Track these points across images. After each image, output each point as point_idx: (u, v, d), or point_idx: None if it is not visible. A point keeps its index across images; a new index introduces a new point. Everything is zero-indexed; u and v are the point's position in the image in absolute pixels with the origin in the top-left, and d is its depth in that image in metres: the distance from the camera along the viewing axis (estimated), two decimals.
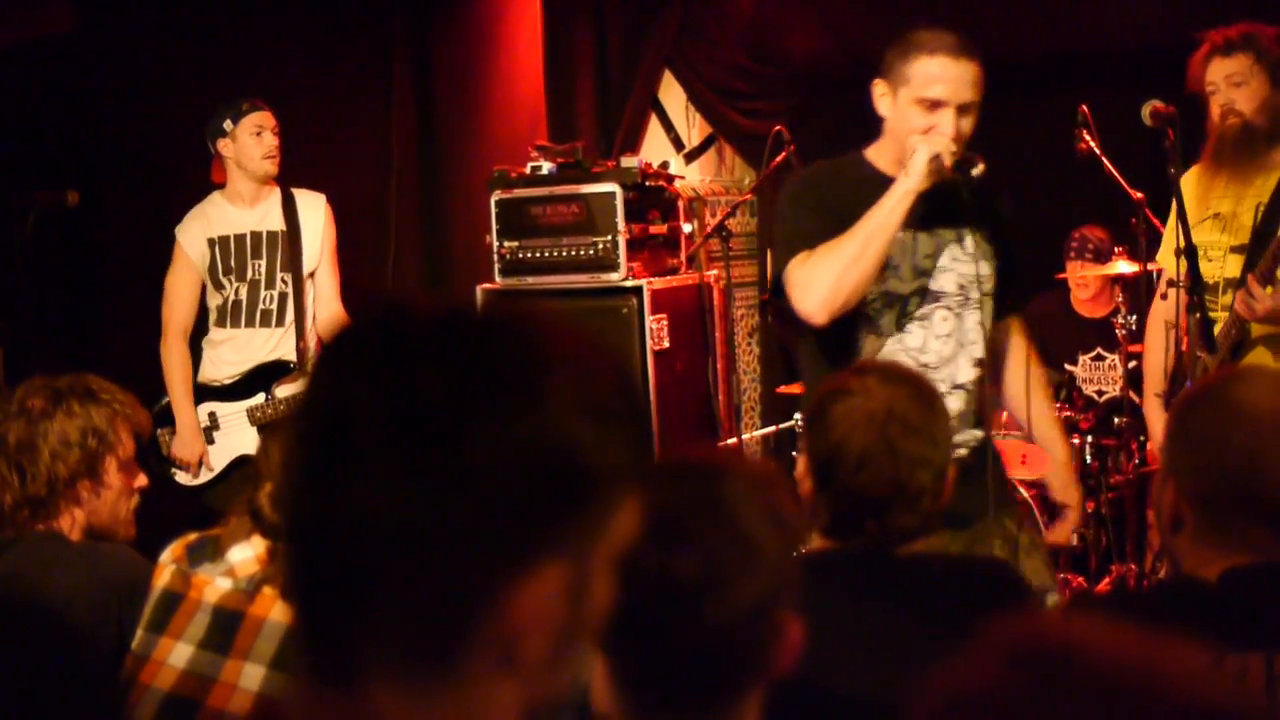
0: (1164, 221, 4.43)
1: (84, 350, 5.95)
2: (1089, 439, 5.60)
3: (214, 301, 5.18)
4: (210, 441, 5.18)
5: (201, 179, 5.27)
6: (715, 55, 6.59)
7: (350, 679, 1.08)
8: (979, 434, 3.48)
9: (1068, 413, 5.55)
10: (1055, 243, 6.07)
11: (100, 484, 3.06)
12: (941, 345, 3.44)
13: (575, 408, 1.08)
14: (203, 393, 5.20)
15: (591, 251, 5.58)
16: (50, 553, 2.95)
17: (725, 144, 6.94)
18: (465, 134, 6.64)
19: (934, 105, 3.32)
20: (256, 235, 5.16)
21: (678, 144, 6.84)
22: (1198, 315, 3.96)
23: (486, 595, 1.05)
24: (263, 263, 5.15)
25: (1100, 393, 5.95)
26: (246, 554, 2.69)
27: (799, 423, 5.70)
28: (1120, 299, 5.53)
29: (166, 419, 5.20)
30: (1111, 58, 5.82)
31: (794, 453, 5.65)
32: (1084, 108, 4.69)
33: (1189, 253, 3.92)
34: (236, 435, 5.13)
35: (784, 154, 5.59)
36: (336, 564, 1.07)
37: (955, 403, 3.40)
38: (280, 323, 5.16)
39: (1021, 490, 5.06)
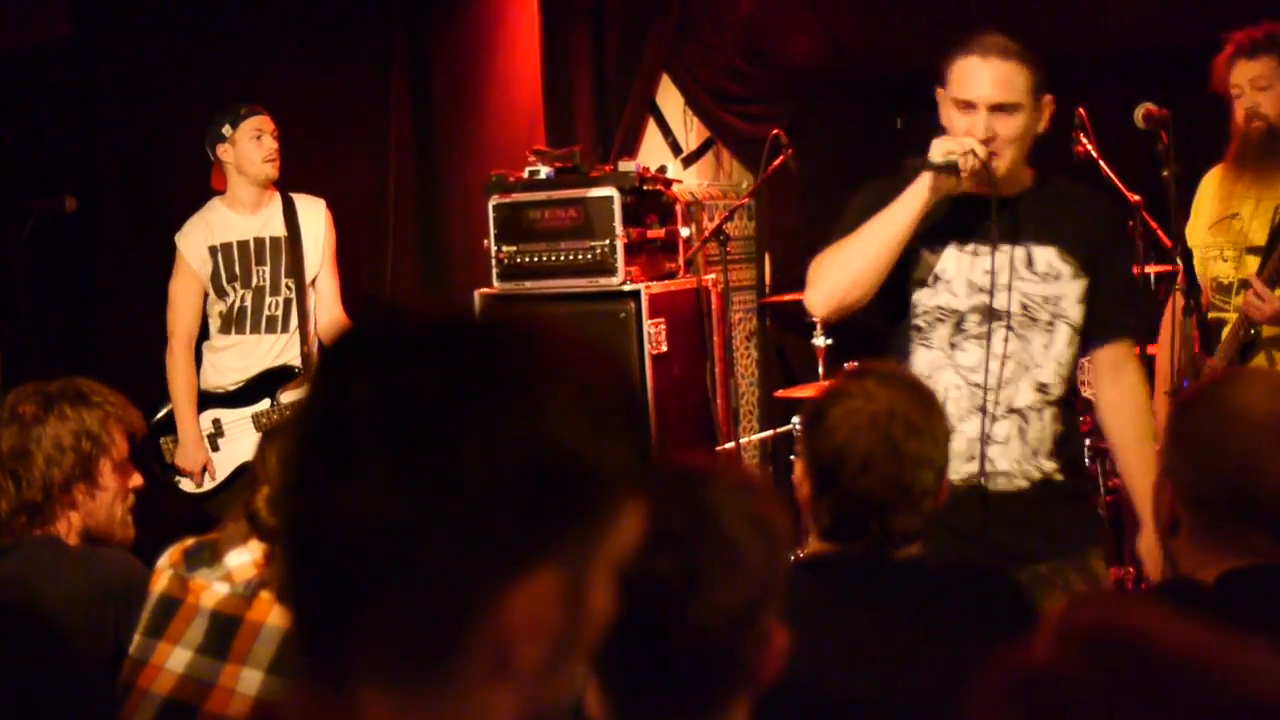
0: (1164, 224, 4.43)
1: (82, 356, 5.95)
2: (1086, 441, 5.59)
3: (216, 308, 5.16)
4: (214, 448, 5.17)
5: (200, 185, 5.27)
6: (712, 59, 6.60)
7: (343, 681, 1.08)
8: (1050, 465, 3.30)
9: None
10: None
11: (96, 487, 3.06)
12: (1000, 366, 3.30)
13: (573, 412, 1.07)
14: (206, 399, 5.18)
15: (589, 256, 5.58)
16: (47, 558, 2.94)
17: (723, 148, 6.94)
18: (463, 138, 6.64)
19: (966, 106, 3.26)
20: (260, 241, 5.15)
21: (675, 148, 6.84)
22: (1194, 318, 3.96)
23: (480, 599, 1.05)
24: (266, 269, 5.14)
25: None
26: (244, 559, 2.69)
27: (797, 427, 5.70)
28: None
29: (169, 427, 5.19)
30: (1107, 60, 5.82)
31: (792, 456, 5.64)
32: (1081, 110, 4.69)
33: (1185, 255, 3.92)
34: (241, 442, 5.12)
35: (782, 158, 5.60)
36: (330, 565, 1.07)
37: (1006, 427, 3.29)
38: (285, 328, 5.15)
39: None
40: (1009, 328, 3.29)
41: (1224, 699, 0.95)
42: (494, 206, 5.73)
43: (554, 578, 1.07)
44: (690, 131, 6.87)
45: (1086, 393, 5.34)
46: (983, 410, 3.29)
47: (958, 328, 3.32)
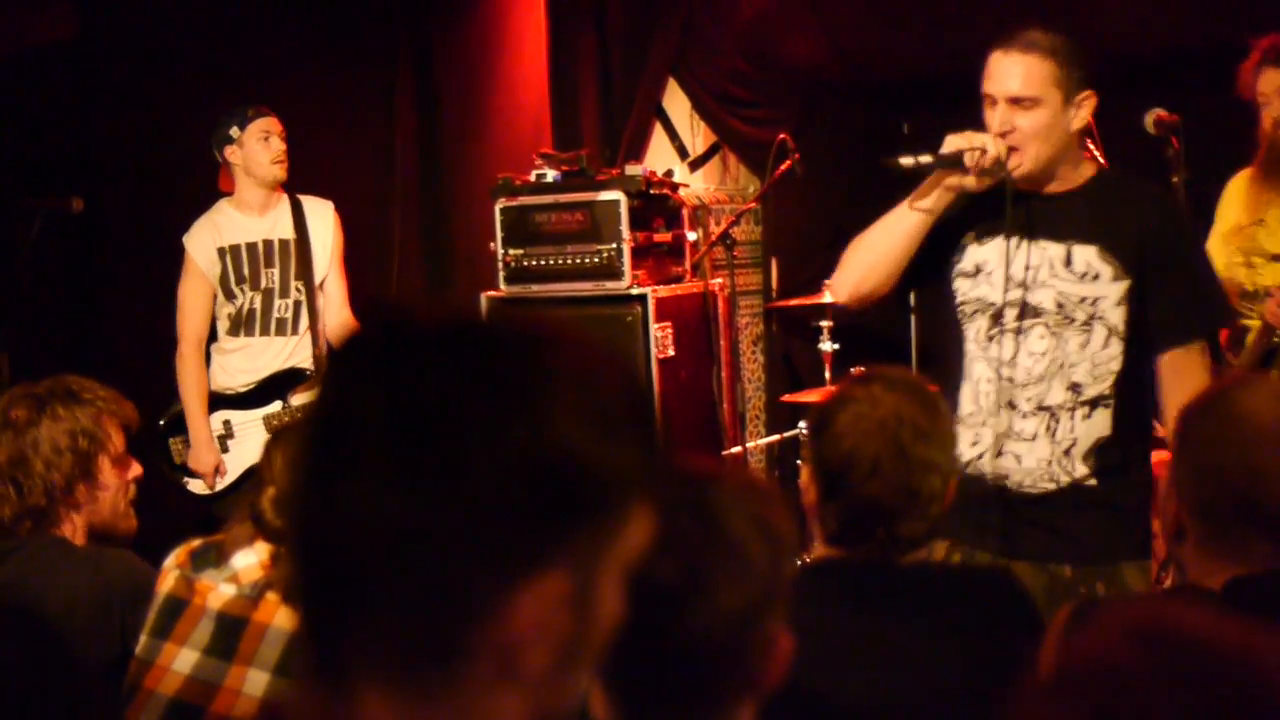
0: None
1: (88, 357, 5.94)
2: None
3: (225, 310, 5.15)
4: (224, 450, 5.16)
5: (206, 185, 5.27)
6: (719, 63, 6.59)
7: (348, 682, 1.08)
8: (1082, 470, 3.24)
9: None
10: None
11: (96, 485, 3.05)
12: (1034, 363, 3.25)
13: (580, 415, 1.07)
14: (217, 400, 5.17)
15: (596, 259, 5.58)
16: (54, 559, 2.94)
17: (729, 152, 6.94)
18: (469, 142, 6.63)
19: (990, 101, 3.24)
20: (269, 244, 5.15)
21: (682, 152, 6.83)
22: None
23: (487, 602, 1.05)
24: (275, 271, 5.14)
25: None
26: (250, 560, 2.70)
27: (803, 431, 5.70)
28: None
29: (178, 428, 5.19)
30: (1115, 64, 5.82)
31: (798, 461, 5.64)
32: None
33: None
34: (251, 443, 5.10)
35: (788, 162, 5.59)
36: (337, 566, 1.07)
37: (1035, 425, 3.26)
38: (295, 331, 5.15)
39: None
40: (1045, 325, 3.25)
41: (1263, 690, 0.98)
42: (500, 210, 5.73)
43: (561, 581, 1.07)
44: (697, 135, 6.86)
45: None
46: (1012, 405, 3.28)
47: (995, 320, 3.29)
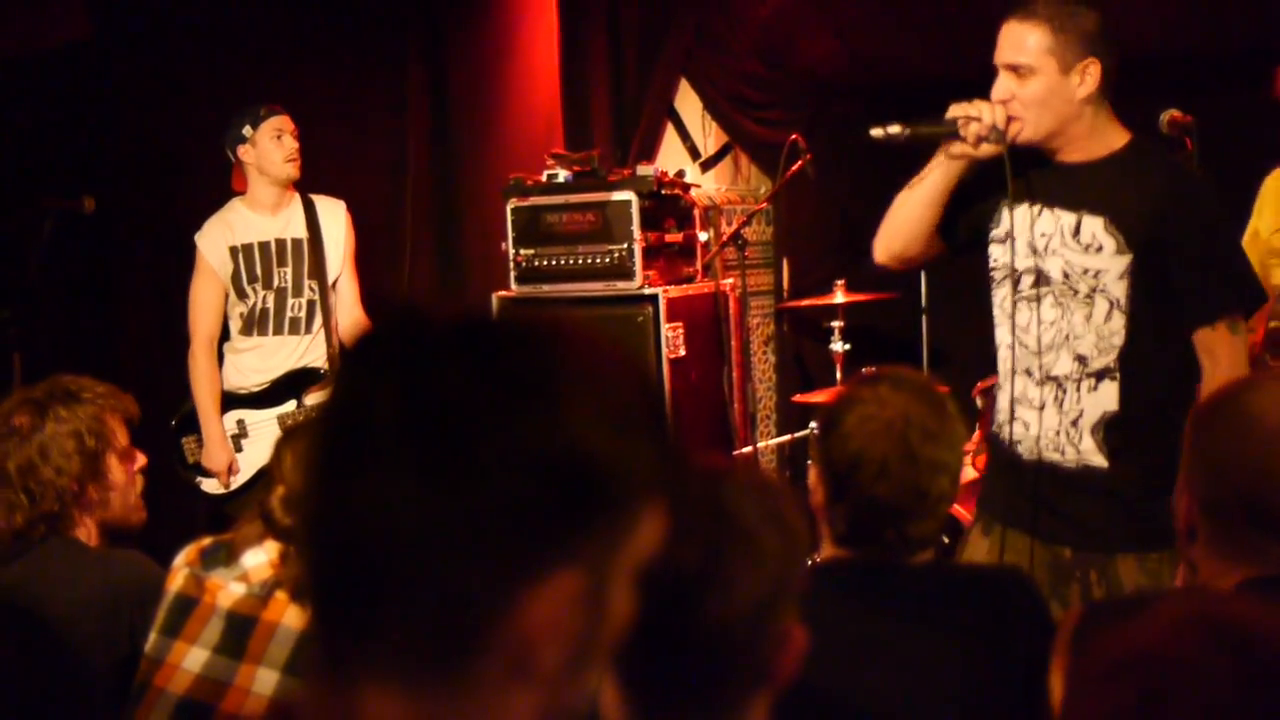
0: None
1: (101, 357, 5.96)
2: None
3: (237, 310, 5.15)
4: (238, 449, 5.16)
5: (218, 185, 5.28)
6: (730, 64, 6.59)
7: (358, 680, 1.07)
8: (1089, 444, 3.24)
9: None
10: None
11: (106, 483, 3.05)
12: (1044, 332, 3.26)
13: (592, 415, 1.07)
14: (230, 400, 5.17)
15: (607, 259, 5.58)
16: (63, 561, 2.94)
17: (741, 152, 6.93)
18: (481, 142, 6.64)
19: (996, 69, 3.30)
20: (281, 243, 5.15)
21: (694, 152, 6.83)
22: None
23: (497, 601, 1.05)
24: (289, 270, 5.14)
25: None
26: (260, 559, 2.70)
27: (814, 431, 5.69)
28: None
29: (191, 426, 5.19)
30: (1129, 64, 5.80)
31: (809, 461, 5.64)
32: None
33: None
34: (265, 443, 5.08)
35: (800, 163, 5.59)
36: (349, 564, 1.07)
37: (1044, 394, 3.27)
38: (309, 330, 5.15)
39: None
40: (1054, 294, 3.26)
41: None
42: (512, 210, 5.74)
43: (574, 580, 1.07)
44: (708, 136, 6.86)
45: None
46: (1028, 373, 3.31)
47: (1015, 287, 3.32)
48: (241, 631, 2.66)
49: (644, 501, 1.11)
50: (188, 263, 5.19)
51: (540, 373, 1.07)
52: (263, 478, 4.96)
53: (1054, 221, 3.26)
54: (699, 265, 5.92)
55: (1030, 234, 3.28)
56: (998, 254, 3.36)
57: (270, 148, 5.10)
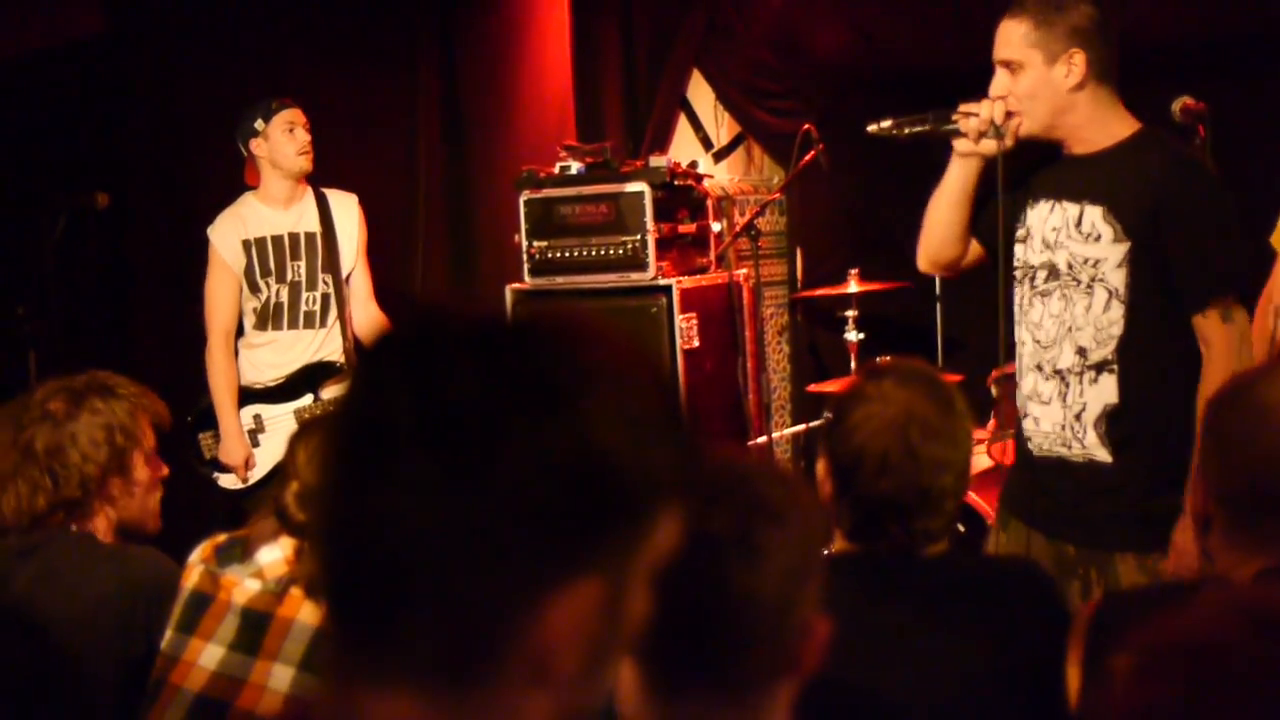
0: None
1: (115, 352, 5.97)
2: None
3: (250, 304, 5.15)
4: (254, 444, 5.15)
5: (231, 180, 5.28)
6: (743, 54, 6.57)
7: (375, 683, 1.07)
8: (1092, 437, 3.24)
9: None
10: None
11: (130, 479, 3.06)
12: (1051, 325, 3.29)
13: (613, 419, 1.06)
14: (246, 396, 5.16)
15: (620, 251, 5.58)
16: (79, 556, 2.95)
17: (754, 143, 6.92)
18: (493, 134, 6.64)
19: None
20: (294, 236, 5.15)
21: (706, 143, 6.82)
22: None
23: (518, 610, 1.04)
24: (302, 264, 5.13)
25: None
26: (275, 555, 2.70)
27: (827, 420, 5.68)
28: None
29: (208, 422, 5.19)
30: (1141, 52, 5.79)
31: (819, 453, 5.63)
32: None
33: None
34: (282, 438, 5.07)
35: (813, 153, 5.58)
36: (368, 568, 1.06)
37: (1051, 388, 3.30)
38: (323, 324, 5.14)
39: None
40: (1061, 286, 3.28)
41: None
42: (525, 202, 5.73)
43: (595, 587, 1.06)
44: (721, 126, 6.85)
45: None
46: (1039, 368, 3.33)
47: (1031, 283, 3.35)
48: (257, 628, 2.66)
49: (662, 504, 1.10)
50: (201, 258, 5.20)
51: (559, 377, 1.06)
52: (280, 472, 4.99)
53: (1062, 215, 3.28)
54: (712, 256, 5.91)
55: (1044, 229, 3.30)
56: (1019, 252, 3.38)
57: (282, 141, 5.10)
